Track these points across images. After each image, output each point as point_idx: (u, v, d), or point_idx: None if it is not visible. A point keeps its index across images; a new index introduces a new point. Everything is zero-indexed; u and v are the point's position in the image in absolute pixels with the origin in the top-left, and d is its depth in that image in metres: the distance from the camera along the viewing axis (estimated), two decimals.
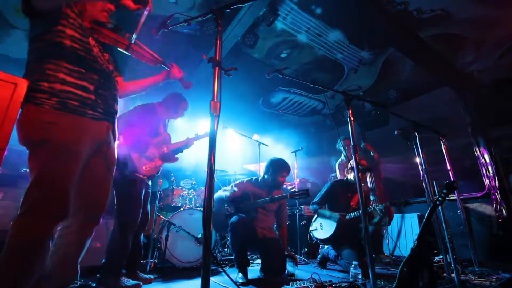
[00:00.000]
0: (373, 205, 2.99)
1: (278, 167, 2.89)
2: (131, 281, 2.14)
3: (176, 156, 2.66)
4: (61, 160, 1.21)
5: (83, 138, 1.28)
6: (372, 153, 4.53)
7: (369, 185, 4.15)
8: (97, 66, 1.36)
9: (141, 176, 2.27)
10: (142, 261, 2.73)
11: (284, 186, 4.24)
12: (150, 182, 2.50)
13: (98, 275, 2.05)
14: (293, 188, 4.58)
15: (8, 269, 1.10)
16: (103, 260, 2.08)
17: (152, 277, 2.42)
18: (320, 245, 3.54)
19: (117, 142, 1.57)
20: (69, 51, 1.27)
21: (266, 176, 2.93)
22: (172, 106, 2.62)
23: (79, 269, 1.37)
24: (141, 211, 2.23)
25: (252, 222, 2.72)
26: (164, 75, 1.80)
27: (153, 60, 1.60)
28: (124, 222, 2.12)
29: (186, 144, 2.72)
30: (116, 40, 1.43)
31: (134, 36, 1.44)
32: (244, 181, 3.01)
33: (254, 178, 3.08)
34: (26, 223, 1.13)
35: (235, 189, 2.89)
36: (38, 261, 1.17)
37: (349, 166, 3.45)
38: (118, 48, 1.46)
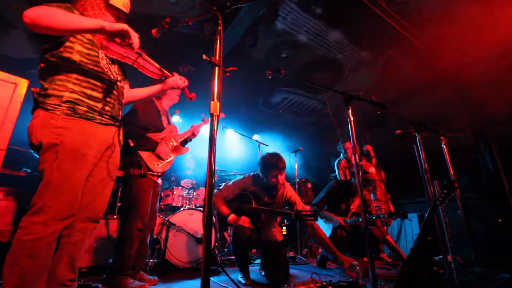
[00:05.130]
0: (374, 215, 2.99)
1: (267, 167, 2.55)
2: (137, 282, 2.12)
3: (187, 146, 2.61)
4: (71, 163, 1.25)
5: (92, 142, 1.34)
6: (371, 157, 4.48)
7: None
8: (104, 76, 1.45)
9: (154, 173, 2.26)
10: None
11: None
12: (160, 181, 2.44)
13: (104, 275, 2.04)
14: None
15: (15, 268, 1.11)
16: (110, 260, 2.07)
17: (156, 277, 2.40)
18: None
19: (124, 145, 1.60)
20: (78, 64, 1.36)
21: (263, 178, 2.66)
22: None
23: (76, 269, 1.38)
24: (148, 210, 2.21)
25: (256, 224, 2.61)
26: (168, 84, 1.78)
27: (158, 74, 1.67)
28: (130, 222, 2.11)
29: (193, 132, 2.65)
30: (123, 56, 1.51)
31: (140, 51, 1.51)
32: (243, 178, 2.75)
33: (253, 174, 2.77)
34: (34, 223, 1.15)
35: (228, 186, 2.70)
36: (44, 261, 1.18)
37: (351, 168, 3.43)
38: (126, 62, 1.54)
